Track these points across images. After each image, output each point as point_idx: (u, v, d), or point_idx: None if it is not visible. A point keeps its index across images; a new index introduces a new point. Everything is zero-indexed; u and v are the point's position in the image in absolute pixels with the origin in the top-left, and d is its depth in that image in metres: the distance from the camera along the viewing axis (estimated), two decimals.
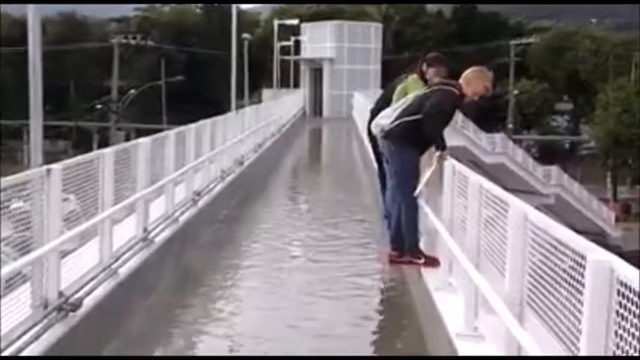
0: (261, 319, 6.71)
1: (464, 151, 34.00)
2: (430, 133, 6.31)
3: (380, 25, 59.77)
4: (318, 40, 55.49)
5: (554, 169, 41.07)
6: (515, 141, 45.34)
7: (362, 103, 28.77)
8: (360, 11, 68.41)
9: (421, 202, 6.60)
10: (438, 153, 6.33)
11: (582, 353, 2.68)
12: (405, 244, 6.66)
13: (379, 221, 8.34)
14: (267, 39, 58.39)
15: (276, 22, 49.96)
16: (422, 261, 6.52)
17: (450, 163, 6.10)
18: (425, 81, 7.09)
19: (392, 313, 7.09)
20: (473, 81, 6.36)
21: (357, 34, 56.38)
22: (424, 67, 7.21)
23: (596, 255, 2.67)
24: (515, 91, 59.43)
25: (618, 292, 2.52)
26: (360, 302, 7.24)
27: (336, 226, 11.31)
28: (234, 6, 21.29)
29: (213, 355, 5.81)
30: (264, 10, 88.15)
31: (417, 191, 6.44)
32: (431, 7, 79.92)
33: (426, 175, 6.43)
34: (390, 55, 60.31)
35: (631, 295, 2.41)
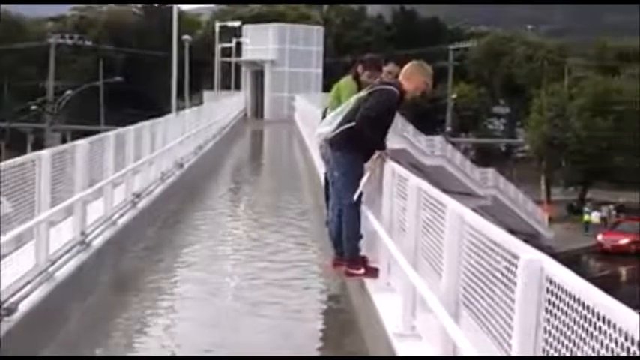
0: (196, 326, 6.65)
1: (404, 153, 34.38)
2: (368, 136, 6.22)
3: (321, 28, 60.03)
4: (260, 42, 55.36)
5: (491, 172, 41.91)
6: (453, 144, 46.11)
7: (303, 106, 28.85)
8: (302, 15, 68.60)
9: (364, 207, 6.53)
10: (376, 154, 6.35)
11: (513, 349, 2.78)
12: (345, 251, 6.50)
13: (322, 226, 8.36)
14: (208, 40, 57.98)
15: (217, 24, 49.62)
16: (361, 271, 6.38)
17: (389, 166, 6.18)
18: (359, 83, 7.03)
19: (332, 314, 7.15)
20: (412, 76, 6.22)
21: (299, 36, 56.48)
22: (359, 69, 7.17)
23: (527, 254, 2.77)
24: (454, 95, 60.49)
25: (547, 289, 2.62)
26: (300, 303, 7.27)
27: (277, 229, 11.31)
28: (174, 6, 21.03)
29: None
30: (205, 11, 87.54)
31: (357, 194, 6.38)
32: (371, 12, 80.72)
33: (365, 176, 6.40)
34: (332, 59, 60.63)
35: (559, 293, 2.52)
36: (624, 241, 40.66)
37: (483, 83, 69.28)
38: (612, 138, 46.96)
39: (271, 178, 19.95)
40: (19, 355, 5.01)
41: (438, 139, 40.74)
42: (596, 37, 75.84)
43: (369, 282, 6.20)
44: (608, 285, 34.95)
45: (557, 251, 40.60)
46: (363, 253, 6.59)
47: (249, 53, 56.41)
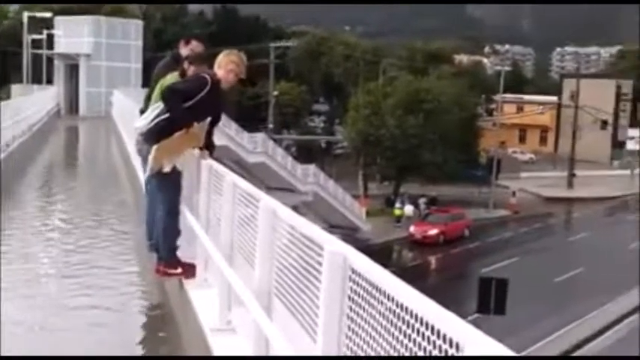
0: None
1: (227, 150, 34.37)
2: (175, 110, 5.91)
3: (140, 22, 58.49)
4: (74, 34, 52.90)
5: (312, 168, 42.94)
6: (275, 141, 46.74)
7: (122, 102, 27.94)
8: (119, 8, 66.34)
9: (182, 204, 6.39)
10: (198, 153, 6.15)
11: (318, 338, 2.88)
12: (161, 251, 6.34)
13: (140, 227, 8.15)
14: (16, 32, 54.47)
15: (25, 14, 46.74)
16: (178, 271, 6.24)
17: (206, 162, 6.16)
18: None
19: (150, 311, 7.02)
20: (223, 64, 6.08)
21: (117, 30, 54.66)
22: (185, 65, 7.02)
23: (331, 246, 2.88)
24: (275, 92, 61.29)
25: (350, 278, 2.74)
26: (115, 301, 7.08)
27: (93, 229, 10.90)
28: None
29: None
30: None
31: (167, 168, 6.08)
32: (192, 7, 79.79)
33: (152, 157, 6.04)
34: (152, 54, 59.24)
35: (362, 282, 2.64)
36: (434, 231, 43.19)
37: (304, 81, 70.82)
38: (421, 135, 49.79)
39: (87, 179, 19.14)
40: None
41: (260, 136, 41.11)
42: (407, 39, 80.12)
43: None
44: (419, 273, 37.33)
45: (375, 243, 42.52)
46: (180, 250, 6.50)
47: (62, 46, 53.71)
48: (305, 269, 3.31)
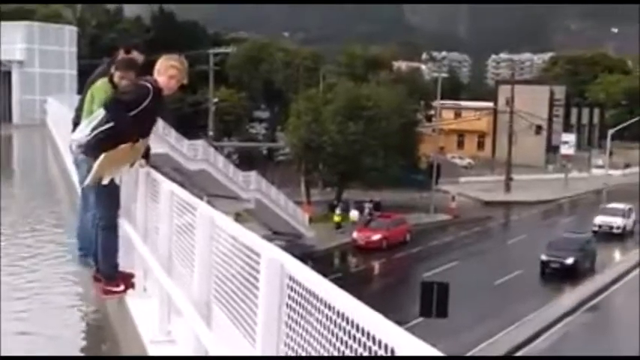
0: None
1: (166, 158, 33.97)
2: (118, 127, 5.69)
3: (75, 28, 57.32)
4: (6, 41, 51.48)
5: (254, 175, 42.78)
6: (216, 148, 46.43)
7: (56, 109, 27.35)
8: (52, 13, 64.95)
9: (121, 220, 6.20)
10: (135, 163, 5.98)
11: (258, 342, 2.88)
12: (101, 268, 6.08)
13: (75, 238, 7.95)
14: None
15: None
16: (120, 288, 6.00)
17: (144, 170, 6.07)
18: (114, 85, 6.82)
19: (87, 323, 6.88)
20: (163, 70, 5.85)
21: (50, 36, 53.44)
22: (112, 70, 6.87)
23: (268, 253, 2.89)
24: (215, 99, 60.92)
25: (288, 286, 2.76)
26: (52, 316, 6.91)
27: (29, 241, 10.62)
28: None
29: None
30: None
31: (106, 181, 5.81)
32: (129, 13, 78.71)
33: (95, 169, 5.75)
34: (88, 60, 58.16)
35: (298, 288, 2.66)
36: (376, 237, 43.57)
37: (244, 88, 70.58)
38: (362, 141, 50.19)
39: (22, 187, 18.66)
40: None
41: (200, 143, 40.75)
42: (346, 45, 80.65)
43: None
44: (364, 278, 37.54)
45: (318, 249, 42.64)
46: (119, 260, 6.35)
47: None
48: (244, 277, 3.30)
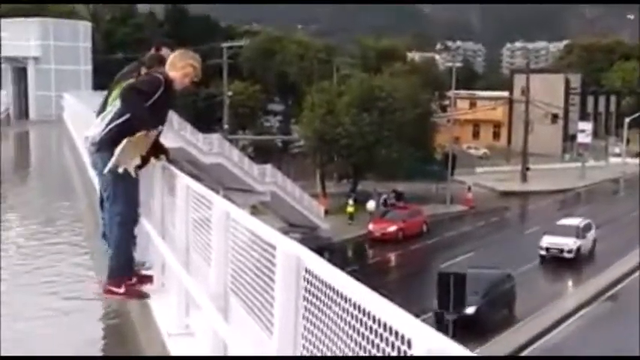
0: None
1: (182, 152, 34.09)
2: (132, 114, 5.61)
3: (89, 24, 57.66)
4: (21, 37, 51.86)
5: (269, 168, 42.86)
6: (231, 141, 46.54)
7: (73, 105, 27.51)
8: (66, 10, 65.22)
9: (142, 217, 5.98)
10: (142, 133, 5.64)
11: (275, 334, 2.90)
12: (108, 267, 5.88)
13: (96, 238, 7.98)
14: None
15: None
16: (121, 290, 5.78)
17: (159, 164, 6.08)
18: None
19: (106, 318, 6.95)
20: (177, 63, 5.83)
21: (64, 32, 53.77)
22: (142, 70, 6.78)
23: (284, 246, 2.90)
24: (230, 93, 60.98)
25: (304, 278, 2.77)
26: (71, 307, 6.99)
27: (48, 239, 10.74)
28: None
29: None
30: None
31: (111, 164, 5.64)
32: (142, 8, 78.96)
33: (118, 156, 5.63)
34: (103, 56, 58.41)
35: (314, 281, 2.67)
36: (392, 228, 43.50)
37: (257, 81, 70.59)
38: (377, 132, 50.08)
39: (40, 184, 18.81)
40: None
41: (215, 137, 40.85)
42: (357, 37, 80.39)
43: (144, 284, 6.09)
44: (381, 270, 37.50)
45: (335, 241, 42.66)
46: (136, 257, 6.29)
47: (8, 49, 52.63)
48: (260, 270, 3.32)
